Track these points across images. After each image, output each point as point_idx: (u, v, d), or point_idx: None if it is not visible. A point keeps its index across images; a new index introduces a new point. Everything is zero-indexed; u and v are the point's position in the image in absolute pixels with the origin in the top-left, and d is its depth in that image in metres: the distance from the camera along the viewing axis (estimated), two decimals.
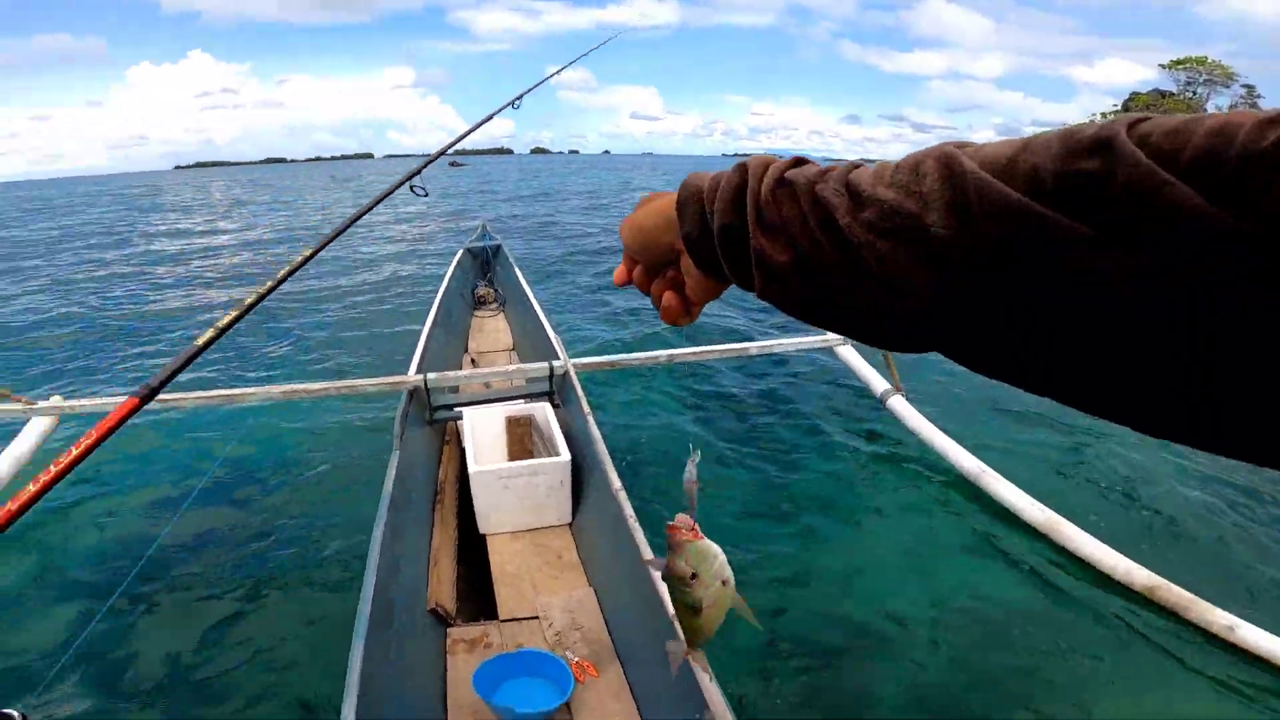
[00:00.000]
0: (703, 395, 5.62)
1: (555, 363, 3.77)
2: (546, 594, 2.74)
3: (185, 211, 29.79)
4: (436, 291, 5.74)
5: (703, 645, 0.77)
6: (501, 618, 2.59)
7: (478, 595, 2.85)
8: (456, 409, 3.76)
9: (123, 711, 2.65)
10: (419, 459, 3.38)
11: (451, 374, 3.74)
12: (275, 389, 3.65)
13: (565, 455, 3.03)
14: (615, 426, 4.73)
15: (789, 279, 0.36)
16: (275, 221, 23.44)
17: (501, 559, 2.96)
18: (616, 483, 2.62)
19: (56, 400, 3.89)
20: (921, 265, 0.30)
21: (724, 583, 0.71)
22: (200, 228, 22.03)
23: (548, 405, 3.51)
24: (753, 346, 4.30)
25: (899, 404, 4.54)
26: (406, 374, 3.73)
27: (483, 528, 3.09)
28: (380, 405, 5.09)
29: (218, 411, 5.01)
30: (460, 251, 7.37)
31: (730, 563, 0.69)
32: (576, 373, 3.60)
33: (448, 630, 2.50)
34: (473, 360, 5.21)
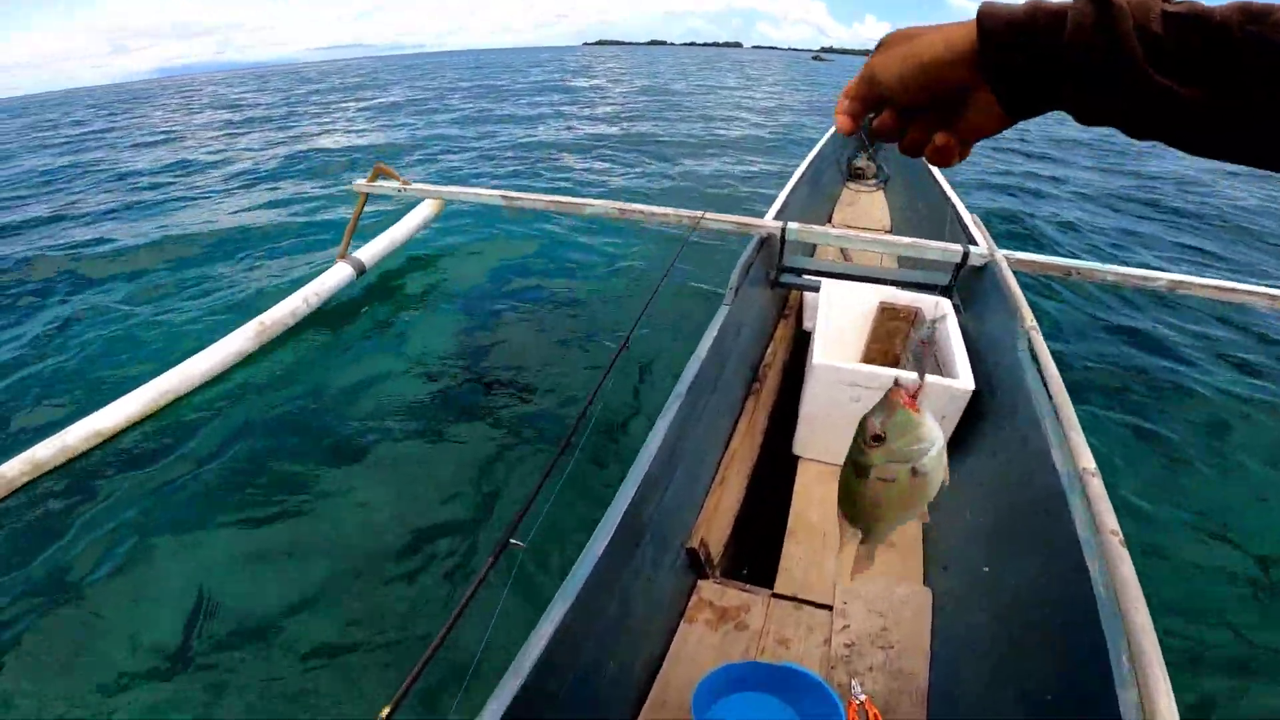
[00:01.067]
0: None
1: (973, 249, 2.55)
2: (856, 577, 1.81)
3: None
4: (806, 155, 4.73)
5: (864, 530, 0.73)
6: (776, 589, 1.75)
7: (753, 542, 2.04)
8: (807, 276, 2.86)
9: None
10: (749, 324, 2.59)
11: (818, 228, 2.79)
12: (613, 205, 3.16)
13: (967, 380, 1.91)
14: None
15: (1196, 111, 0.35)
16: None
17: (808, 501, 2.08)
18: (1087, 459, 1.37)
19: (437, 185, 4.05)
20: None
21: (915, 471, 0.64)
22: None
23: (946, 302, 2.36)
24: None
25: None
26: (762, 218, 2.90)
27: (799, 446, 2.23)
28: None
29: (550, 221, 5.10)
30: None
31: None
32: (1014, 271, 2.33)
33: (698, 583, 1.76)
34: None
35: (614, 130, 12.82)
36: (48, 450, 2.65)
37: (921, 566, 1.82)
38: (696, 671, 1.50)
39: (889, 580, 1.78)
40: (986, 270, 2.51)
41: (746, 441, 2.26)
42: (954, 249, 2.57)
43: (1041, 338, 1.85)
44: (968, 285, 2.60)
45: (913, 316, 2.44)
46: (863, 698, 1.48)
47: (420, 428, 3.00)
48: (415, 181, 3.77)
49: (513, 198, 3.31)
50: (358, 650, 2.01)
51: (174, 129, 15.72)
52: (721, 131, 12.88)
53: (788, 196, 3.40)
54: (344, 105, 19.78)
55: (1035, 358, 1.81)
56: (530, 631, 1.10)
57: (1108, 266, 2.55)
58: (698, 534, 1.81)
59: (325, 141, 11.92)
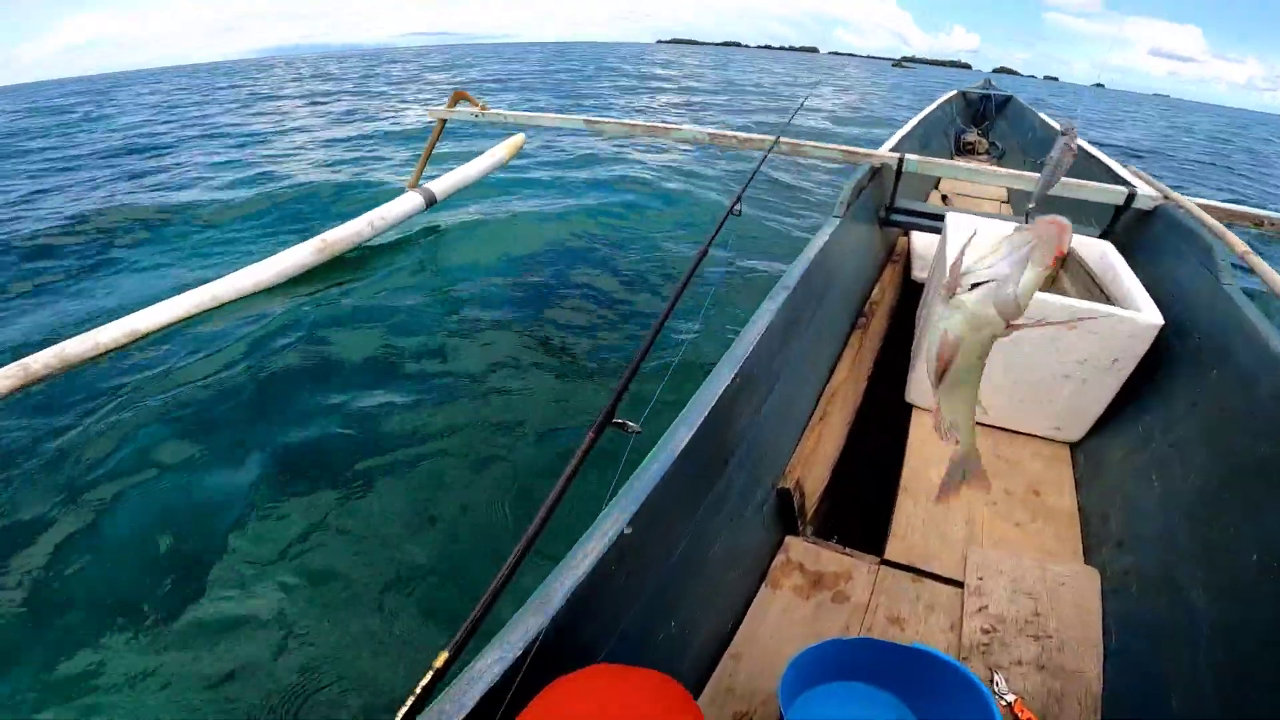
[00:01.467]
0: None
1: (1140, 189, 2.14)
2: (992, 546, 1.45)
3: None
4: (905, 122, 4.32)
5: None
6: (887, 556, 1.41)
7: (855, 500, 1.70)
8: (918, 217, 2.49)
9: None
10: (855, 256, 2.25)
11: (943, 161, 2.42)
12: (703, 130, 2.87)
13: (1151, 313, 1.52)
14: None
15: None
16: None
17: (926, 459, 1.70)
18: None
19: (515, 110, 3.86)
20: None
21: None
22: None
23: (1107, 244, 1.96)
24: None
25: None
26: (876, 149, 2.55)
27: (914, 392, 1.87)
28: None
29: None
30: (951, 93, 6.16)
31: None
32: (1220, 220, 1.91)
33: (786, 540, 1.43)
34: (944, 197, 3.78)
35: (691, 116, 12.54)
36: (79, 345, 2.53)
37: (1080, 543, 1.45)
38: (778, 649, 1.18)
39: (1042, 562, 1.41)
40: (1158, 214, 2.09)
41: (851, 379, 1.92)
42: (1115, 189, 2.17)
43: (1263, 260, 1.45)
44: (1131, 232, 2.18)
45: (1064, 256, 2.04)
46: (1010, 698, 1.13)
47: (481, 362, 2.77)
48: (493, 108, 3.57)
49: (595, 121, 3.07)
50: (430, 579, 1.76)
51: (283, 97, 16.37)
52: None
53: (904, 136, 3.04)
54: (435, 82, 20.19)
55: (1257, 286, 1.43)
56: (572, 548, 0.80)
57: None
58: (792, 475, 1.49)
59: (412, 115, 12.08)
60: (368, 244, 3.71)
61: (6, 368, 2.41)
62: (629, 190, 5.52)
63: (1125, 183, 2.41)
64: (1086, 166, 2.95)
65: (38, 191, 6.04)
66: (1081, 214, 2.44)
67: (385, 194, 5.78)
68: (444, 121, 3.69)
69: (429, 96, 15.06)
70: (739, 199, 1.56)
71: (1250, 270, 1.47)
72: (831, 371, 1.90)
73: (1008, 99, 6.29)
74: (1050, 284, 2.02)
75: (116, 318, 2.71)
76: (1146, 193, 2.15)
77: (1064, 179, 2.30)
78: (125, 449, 2.17)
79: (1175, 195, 2.07)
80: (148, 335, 2.71)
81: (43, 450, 2.19)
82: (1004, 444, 1.76)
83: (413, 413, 2.36)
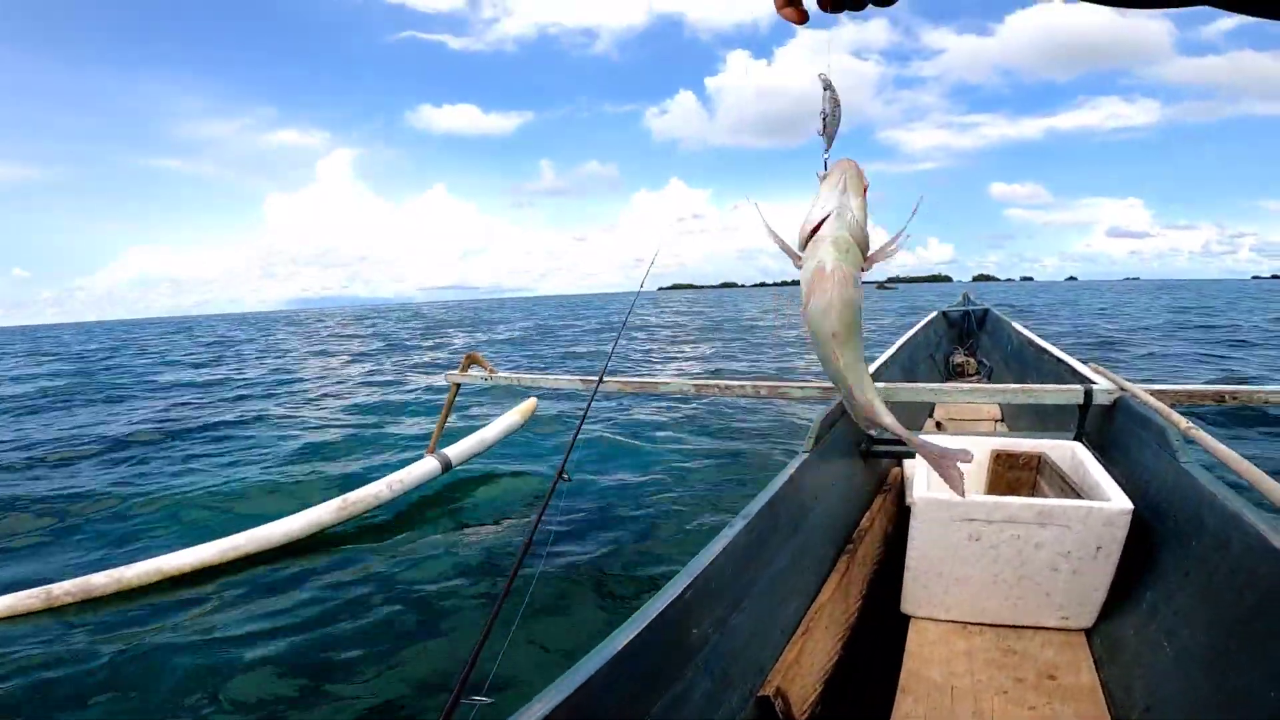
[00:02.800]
0: None
1: (1096, 385, 2.29)
2: None
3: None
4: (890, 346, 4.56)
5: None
6: None
7: (850, 702, 1.64)
8: (903, 445, 2.60)
9: None
10: (838, 486, 2.32)
11: (907, 385, 2.61)
12: (689, 382, 3.15)
13: (1120, 500, 1.63)
14: None
15: None
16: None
17: (925, 660, 1.66)
18: None
19: (519, 372, 4.25)
20: None
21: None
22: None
23: (1077, 445, 2.05)
24: None
25: None
26: None
27: (909, 604, 1.85)
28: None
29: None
30: (934, 314, 6.37)
31: None
32: (1172, 403, 2.06)
33: None
34: (938, 424, 3.89)
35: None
36: (103, 579, 2.84)
37: (1110, 713, 1.41)
38: None
39: None
40: (1119, 406, 2.21)
41: (838, 596, 1.90)
42: (1072, 389, 2.31)
43: (1204, 432, 1.58)
44: (1100, 429, 2.27)
45: (1036, 463, 2.11)
46: None
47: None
48: (501, 370, 3.97)
49: (588, 380, 3.39)
50: None
51: (321, 351, 18.11)
52: None
53: (884, 363, 3.29)
54: (454, 339, 22.27)
55: (1206, 457, 1.58)
56: None
57: (1274, 388, 2.17)
58: (773, 682, 1.45)
59: (434, 377, 13.20)
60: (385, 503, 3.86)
61: (31, 590, 2.68)
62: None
63: (1083, 379, 2.56)
64: (1053, 368, 3.14)
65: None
66: (1054, 419, 2.55)
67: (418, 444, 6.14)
68: (458, 386, 4.06)
69: (448, 354, 16.52)
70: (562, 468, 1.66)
71: (1196, 444, 1.60)
72: (816, 591, 1.89)
73: (985, 313, 6.53)
74: (1031, 490, 2.06)
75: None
76: (1104, 387, 2.29)
77: (1027, 385, 2.46)
78: None
79: (1129, 386, 2.20)
80: (172, 577, 2.98)
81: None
82: (1011, 639, 1.70)
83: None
